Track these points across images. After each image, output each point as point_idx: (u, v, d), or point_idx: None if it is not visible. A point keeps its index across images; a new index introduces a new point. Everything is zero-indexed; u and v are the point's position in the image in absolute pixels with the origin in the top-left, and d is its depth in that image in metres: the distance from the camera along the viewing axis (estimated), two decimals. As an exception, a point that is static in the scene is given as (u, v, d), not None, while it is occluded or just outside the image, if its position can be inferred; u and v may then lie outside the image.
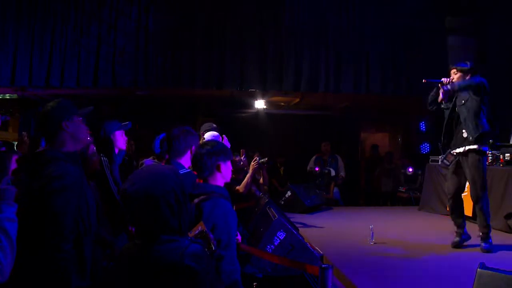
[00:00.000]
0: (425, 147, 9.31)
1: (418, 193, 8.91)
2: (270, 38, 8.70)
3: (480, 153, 4.87)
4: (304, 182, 9.12)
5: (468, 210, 6.57)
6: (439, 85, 4.99)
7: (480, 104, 4.86)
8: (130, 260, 1.73)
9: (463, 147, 4.93)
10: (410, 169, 10.02)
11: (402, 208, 8.88)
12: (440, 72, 8.82)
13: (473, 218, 6.46)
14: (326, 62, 8.76)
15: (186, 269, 1.63)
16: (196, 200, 2.59)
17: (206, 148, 2.78)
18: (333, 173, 9.53)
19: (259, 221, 5.21)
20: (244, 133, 10.03)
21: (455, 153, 5.06)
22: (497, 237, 5.67)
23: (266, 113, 11.14)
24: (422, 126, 9.61)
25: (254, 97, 10.06)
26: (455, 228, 5.16)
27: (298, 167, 10.25)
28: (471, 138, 4.83)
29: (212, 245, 2.03)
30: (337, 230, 6.26)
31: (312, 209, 7.88)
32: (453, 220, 5.19)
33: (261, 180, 5.89)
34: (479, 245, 4.95)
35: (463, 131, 4.91)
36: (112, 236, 3.12)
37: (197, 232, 2.05)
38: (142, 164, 4.05)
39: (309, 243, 4.86)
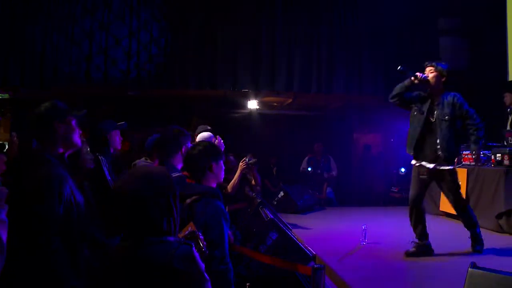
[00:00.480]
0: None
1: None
2: (263, 38, 8.70)
3: (455, 171, 4.85)
4: (297, 183, 9.13)
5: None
6: (412, 78, 4.78)
7: (457, 124, 4.79)
8: (118, 262, 1.72)
9: (434, 165, 4.78)
10: (403, 170, 10.05)
11: (395, 208, 8.90)
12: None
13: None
14: (318, 62, 8.78)
15: (174, 271, 1.62)
16: (188, 201, 2.59)
17: (198, 149, 2.78)
18: (326, 175, 9.57)
19: (252, 222, 5.21)
20: (237, 133, 10.02)
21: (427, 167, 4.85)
22: (488, 237, 5.70)
23: (259, 113, 11.14)
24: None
25: (247, 97, 10.06)
26: (414, 238, 4.87)
27: (291, 168, 10.27)
28: (443, 157, 4.72)
29: (202, 246, 2.02)
30: (330, 230, 6.27)
31: (305, 209, 7.89)
32: (413, 229, 4.91)
33: (252, 182, 5.90)
34: (469, 245, 4.96)
35: (438, 148, 4.74)
36: (107, 236, 3.10)
37: (187, 232, 2.04)
38: (134, 165, 4.04)
39: (301, 243, 4.86)
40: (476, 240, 4.91)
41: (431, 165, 4.79)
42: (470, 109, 4.82)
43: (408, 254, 4.74)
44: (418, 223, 4.86)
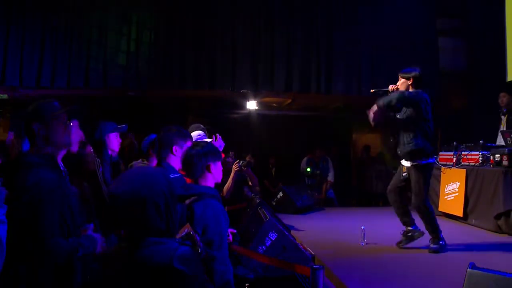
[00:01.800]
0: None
1: (409, 194, 8.92)
2: (262, 39, 8.70)
3: (419, 168, 4.95)
4: (296, 183, 9.13)
5: (458, 210, 6.62)
6: (388, 93, 5.12)
7: (414, 119, 4.92)
8: (117, 263, 1.71)
9: (409, 162, 5.03)
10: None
11: (394, 208, 8.89)
12: (431, 74, 8.93)
13: (464, 218, 6.52)
14: (318, 63, 8.78)
15: (174, 272, 1.61)
16: (187, 201, 2.58)
17: (196, 149, 2.77)
18: (330, 177, 9.61)
19: (251, 222, 5.20)
20: (236, 133, 10.01)
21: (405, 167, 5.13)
22: (487, 237, 5.71)
23: (258, 114, 11.13)
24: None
25: (246, 98, 10.06)
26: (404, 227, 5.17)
27: (290, 168, 10.26)
28: (405, 153, 4.97)
29: (199, 248, 2.01)
30: (329, 231, 6.27)
31: (304, 210, 7.89)
32: (400, 219, 5.22)
33: (249, 183, 5.88)
34: (469, 245, 4.96)
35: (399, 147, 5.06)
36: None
37: (183, 234, 2.04)
38: (131, 166, 4.04)
39: (300, 243, 4.86)
40: (435, 241, 4.95)
41: (408, 163, 5.05)
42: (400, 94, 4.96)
43: (398, 244, 5.06)
44: (397, 211, 5.18)
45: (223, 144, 4.27)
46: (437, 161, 7.23)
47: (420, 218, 5.04)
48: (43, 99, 2.44)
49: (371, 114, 4.97)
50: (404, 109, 5.01)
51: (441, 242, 4.90)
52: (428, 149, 4.96)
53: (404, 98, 4.94)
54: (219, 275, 2.46)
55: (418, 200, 4.97)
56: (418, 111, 4.89)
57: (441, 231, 4.96)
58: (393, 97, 4.92)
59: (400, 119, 5.04)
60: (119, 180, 1.74)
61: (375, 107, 4.94)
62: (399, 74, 5.12)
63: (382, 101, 4.91)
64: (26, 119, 2.33)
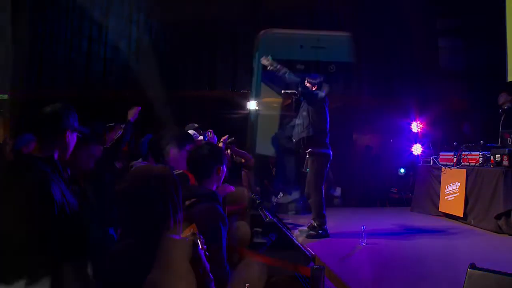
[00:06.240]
0: (417, 148, 9.31)
1: (410, 194, 8.94)
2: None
3: (313, 155, 5.61)
4: (296, 183, 9.10)
5: (459, 210, 6.62)
6: (293, 96, 5.86)
7: (308, 112, 5.64)
8: (124, 260, 1.71)
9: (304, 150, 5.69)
10: (402, 170, 10.05)
11: (394, 208, 8.90)
12: (431, 74, 8.93)
13: (464, 218, 6.52)
14: (318, 63, 8.77)
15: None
16: (187, 203, 2.57)
17: (208, 149, 2.73)
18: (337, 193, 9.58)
19: (251, 223, 5.20)
20: (236, 134, 9.98)
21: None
22: (487, 237, 5.71)
23: (258, 114, 11.11)
24: (415, 127, 9.64)
25: (247, 98, 10.06)
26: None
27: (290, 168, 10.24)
28: (301, 142, 5.66)
29: (203, 248, 2.02)
30: (329, 231, 6.26)
31: (304, 210, 7.87)
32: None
33: (242, 160, 5.76)
34: (469, 245, 4.95)
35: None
36: (101, 235, 3.09)
37: (188, 234, 2.04)
38: (132, 166, 4.03)
39: (301, 243, 4.86)
40: (315, 229, 5.54)
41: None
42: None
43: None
44: None
45: (215, 139, 4.28)
46: (438, 162, 7.24)
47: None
48: (50, 100, 2.40)
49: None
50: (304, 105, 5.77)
51: (320, 232, 5.53)
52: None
53: (308, 95, 5.77)
54: (217, 278, 2.45)
55: (311, 186, 5.57)
56: (313, 107, 5.70)
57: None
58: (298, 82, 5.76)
59: (301, 112, 5.85)
60: (128, 179, 1.74)
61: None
62: (307, 78, 5.83)
63: (287, 73, 5.66)
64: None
